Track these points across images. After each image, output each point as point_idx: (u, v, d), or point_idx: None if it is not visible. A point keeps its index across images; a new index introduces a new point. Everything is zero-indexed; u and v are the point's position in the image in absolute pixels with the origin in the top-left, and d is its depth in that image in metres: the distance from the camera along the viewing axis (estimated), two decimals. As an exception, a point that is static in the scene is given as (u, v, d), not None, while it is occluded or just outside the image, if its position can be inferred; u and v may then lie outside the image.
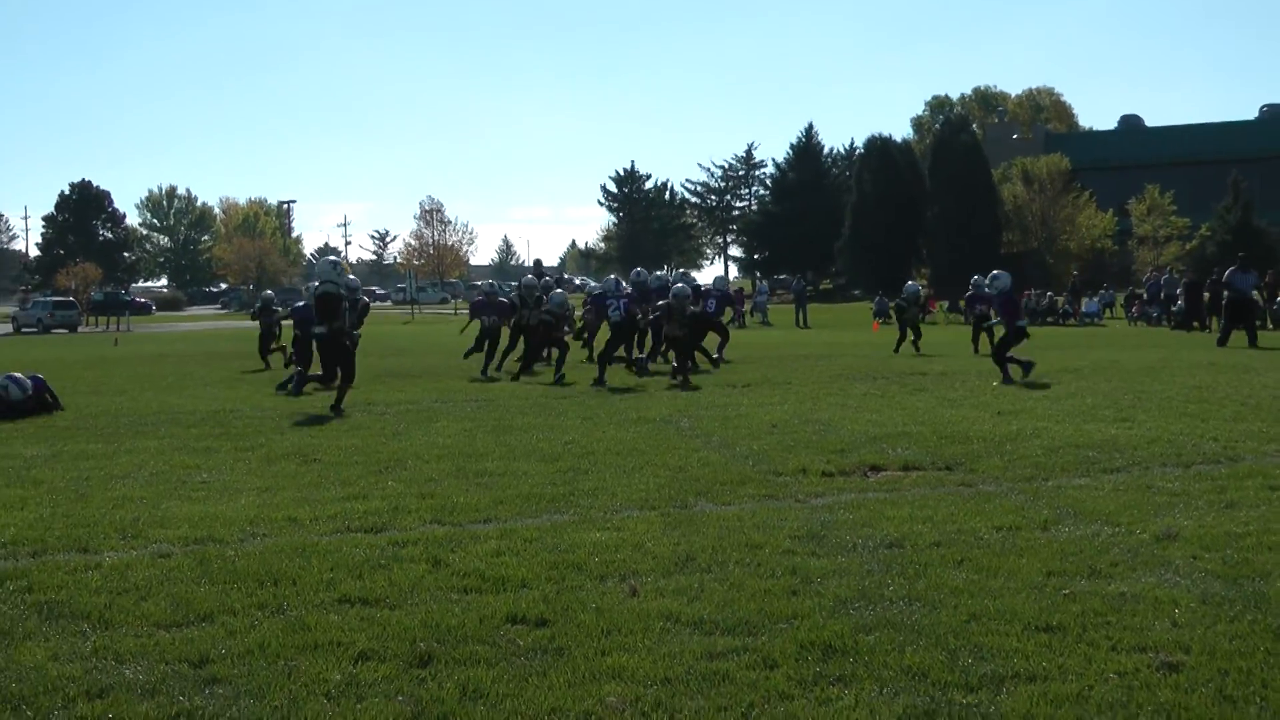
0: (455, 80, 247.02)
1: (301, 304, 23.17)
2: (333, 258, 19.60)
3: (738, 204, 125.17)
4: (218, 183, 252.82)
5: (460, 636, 5.89)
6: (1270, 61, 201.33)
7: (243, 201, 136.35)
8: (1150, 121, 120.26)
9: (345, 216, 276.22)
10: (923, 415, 14.78)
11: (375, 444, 13.16)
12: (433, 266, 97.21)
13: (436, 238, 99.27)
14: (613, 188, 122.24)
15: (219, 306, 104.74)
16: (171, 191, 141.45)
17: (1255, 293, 28.91)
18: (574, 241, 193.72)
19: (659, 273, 52.27)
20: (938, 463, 11.09)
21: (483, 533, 8.29)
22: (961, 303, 42.65)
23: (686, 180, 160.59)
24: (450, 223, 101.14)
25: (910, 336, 30.13)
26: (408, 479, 10.71)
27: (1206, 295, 47.29)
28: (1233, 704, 4.80)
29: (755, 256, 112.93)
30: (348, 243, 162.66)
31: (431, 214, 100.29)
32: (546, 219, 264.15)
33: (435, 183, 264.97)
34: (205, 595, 6.72)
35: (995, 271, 22.03)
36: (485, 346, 23.39)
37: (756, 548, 7.64)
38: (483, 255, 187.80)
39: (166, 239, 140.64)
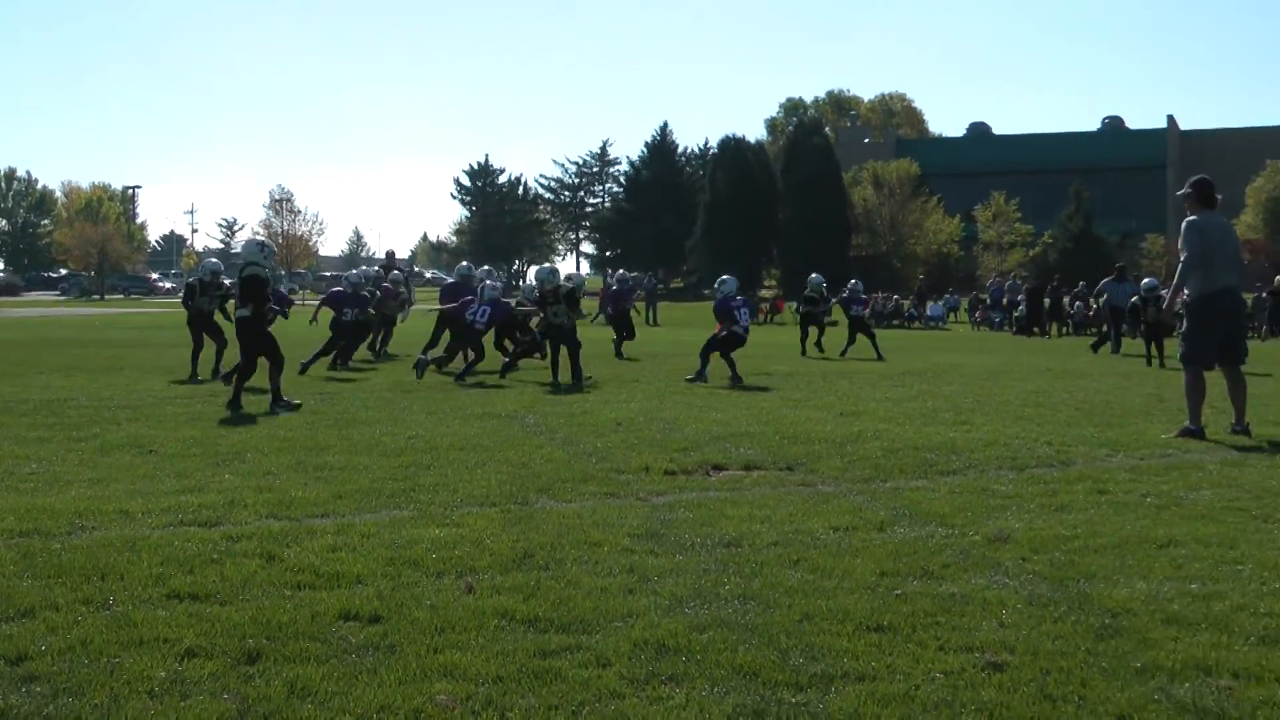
0: (307, 70, 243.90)
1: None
2: (259, 238, 19.17)
3: (591, 200, 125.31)
4: (60, 166, 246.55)
5: (291, 633, 5.81)
6: (1113, 75, 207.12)
7: (85, 186, 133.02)
8: (998, 130, 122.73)
9: (192, 204, 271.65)
10: (767, 415, 14.93)
11: (214, 436, 12.93)
12: (281, 256, 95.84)
13: (286, 227, 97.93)
14: (466, 181, 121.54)
15: (58, 293, 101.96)
16: (11, 174, 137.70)
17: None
18: (425, 234, 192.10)
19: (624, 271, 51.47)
20: (779, 463, 11.20)
21: (320, 528, 8.19)
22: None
23: (540, 176, 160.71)
24: (300, 212, 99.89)
25: (814, 335, 29.81)
26: (246, 472, 10.54)
27: (1047, 301, 48.52)
28: (1053, 702, 4.91)
29: (608, 253, 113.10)
30: (194, 230, 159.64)
31: (281, 203, 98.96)
32: (398, 211, 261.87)
33: (286, 172, 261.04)
34: (27, 590, 6.54)
35: (723, 276, 22.13)
36: (340, 344, 22.77)
37: (595, 545, 7.64)
38: (333, 246, 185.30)
39: (4, 222, 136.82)
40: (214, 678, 5.21)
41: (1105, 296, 34.26)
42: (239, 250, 17.81)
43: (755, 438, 12.76)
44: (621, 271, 29.69)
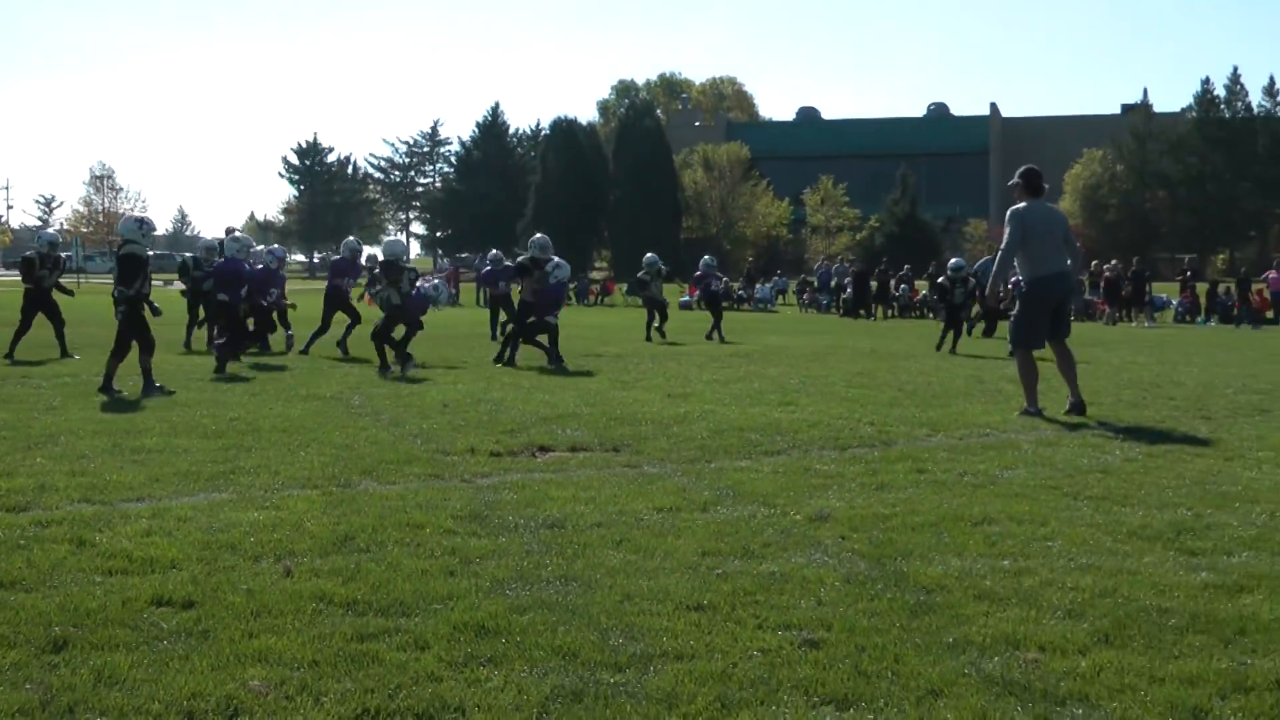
0: (130, 42, 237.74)
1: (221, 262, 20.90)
2: (137, 215, 18.37)
3: (422, 180, 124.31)
4: None
5: (100, 620, 5.65)
6: (939, 61, 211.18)
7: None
8: (827, 115, 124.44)
9: (7, 180, 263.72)
10: (594, 397, 14.95)
11: (26, 418, 12.55)
12: (102, 235, 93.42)
13: (107, 205, 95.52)
14: (294, 160, 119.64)
15: None
16: None
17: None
18: (253, 213, 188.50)
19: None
20: (605, 444, 11.22)
21: (134, 512, 7.99)
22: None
23: (370, 155, 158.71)
24: (122, 189, 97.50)
25: (657, 321, 28.26)
26: (58, 455, 10.25)
27: (874, 284, 49.32)
28: (866, 678, 4.99)
29: (438, 234, 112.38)
30: (9, 207, 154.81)
31: (102, 180, 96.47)
32: (224, 189, 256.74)
33: (107, 148, 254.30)
34: None
35: (557, 260, 21.03)
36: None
37: (418, 528, 7.58)
38: (157, 225, 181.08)
39: None
40: (16, 667, 5.05)
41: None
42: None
43: (582, 419, 12.76)
44: (496, 252, 29.08)
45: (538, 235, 22.10)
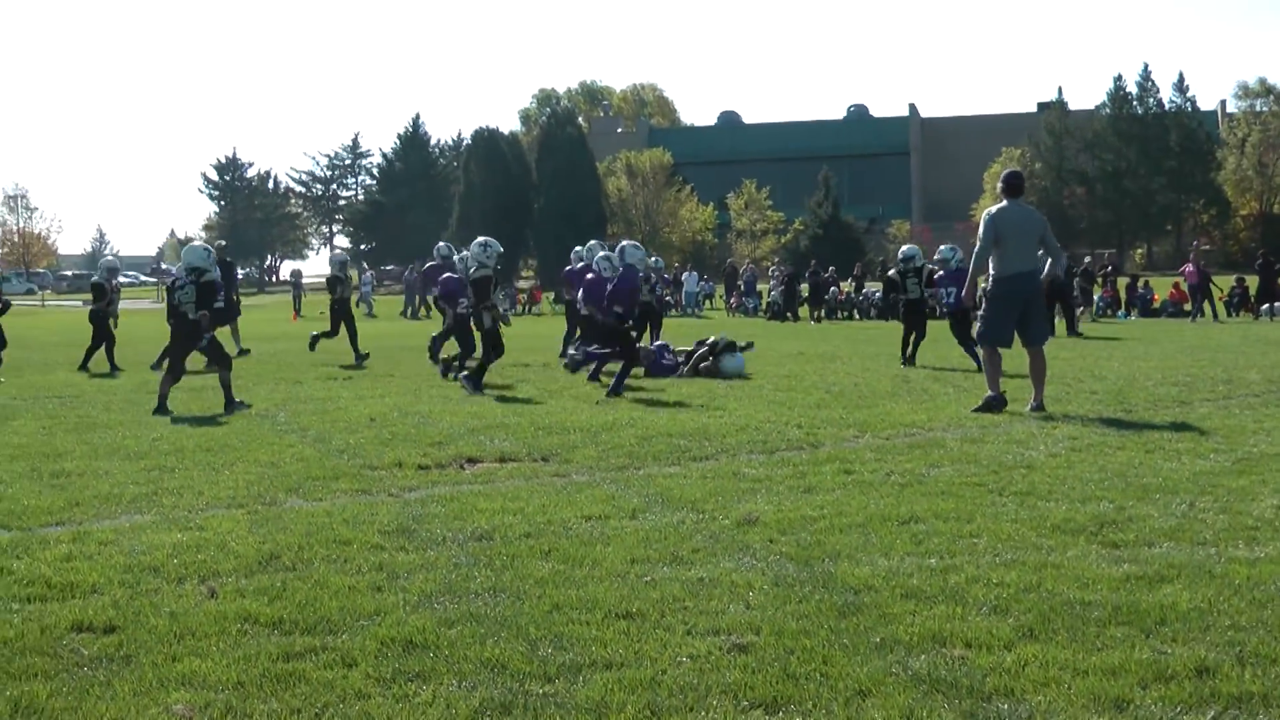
0: (44, 59, 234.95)
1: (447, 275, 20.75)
2: (203, 243, 18.31)
3: (344, 193, 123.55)
4: None
5: (18, 649, 5.56)
6: (858, 63, 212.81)
7: None
8: (748, 118, 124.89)
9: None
10: (522, 407, 14.93)
11: (-58, 445, 12.34)
12: (17, 256, 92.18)
13: (22, 225, 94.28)
14: (214, 175, 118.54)
15: None
16: None
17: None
18: (173, 230, 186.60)
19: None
20: (534, 454, 11.20)
21: (54, 537, 7.88)
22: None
23: (291, 169, 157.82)
24: (37, 209, 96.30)
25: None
26: (-25, 482, 10.09)
27: (805, 287, 49.45)
28: (795, 681, 5.00)
29: (362, 246, 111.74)
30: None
31: (16, 200, 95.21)
32: (143, 207, 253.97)
33: (20, 169, 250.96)
34: None
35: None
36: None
37: (345, 544, 7.52)
38: (74, 244, 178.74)
39: None
40: (-68, 700, 4.96)
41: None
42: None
43: (510, 429, 12.73)
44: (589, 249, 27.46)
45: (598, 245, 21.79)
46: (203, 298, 15.68)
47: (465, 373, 17.71)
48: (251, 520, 8.35)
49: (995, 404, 13.64)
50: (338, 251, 25.09)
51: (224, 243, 25.70)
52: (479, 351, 18.23)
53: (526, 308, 61.76)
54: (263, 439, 12.43)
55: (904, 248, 24.31)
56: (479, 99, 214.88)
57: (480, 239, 18.45)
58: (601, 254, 18.78)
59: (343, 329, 23.72)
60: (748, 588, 6.38)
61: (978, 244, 13.96)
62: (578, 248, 23.45)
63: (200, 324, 15.59)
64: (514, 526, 7.99)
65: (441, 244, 24.16)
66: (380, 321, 46.93)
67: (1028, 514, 8.10)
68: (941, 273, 22.01)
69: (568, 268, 23.70)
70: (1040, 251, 14.34)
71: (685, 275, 60.35)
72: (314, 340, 24.25)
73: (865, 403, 14.88)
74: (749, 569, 6.78)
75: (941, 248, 22.59)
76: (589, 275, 18.65)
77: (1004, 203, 14.03)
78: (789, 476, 9.72)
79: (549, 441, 11.88)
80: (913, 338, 21.48)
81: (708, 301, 62.90)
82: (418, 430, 12.85)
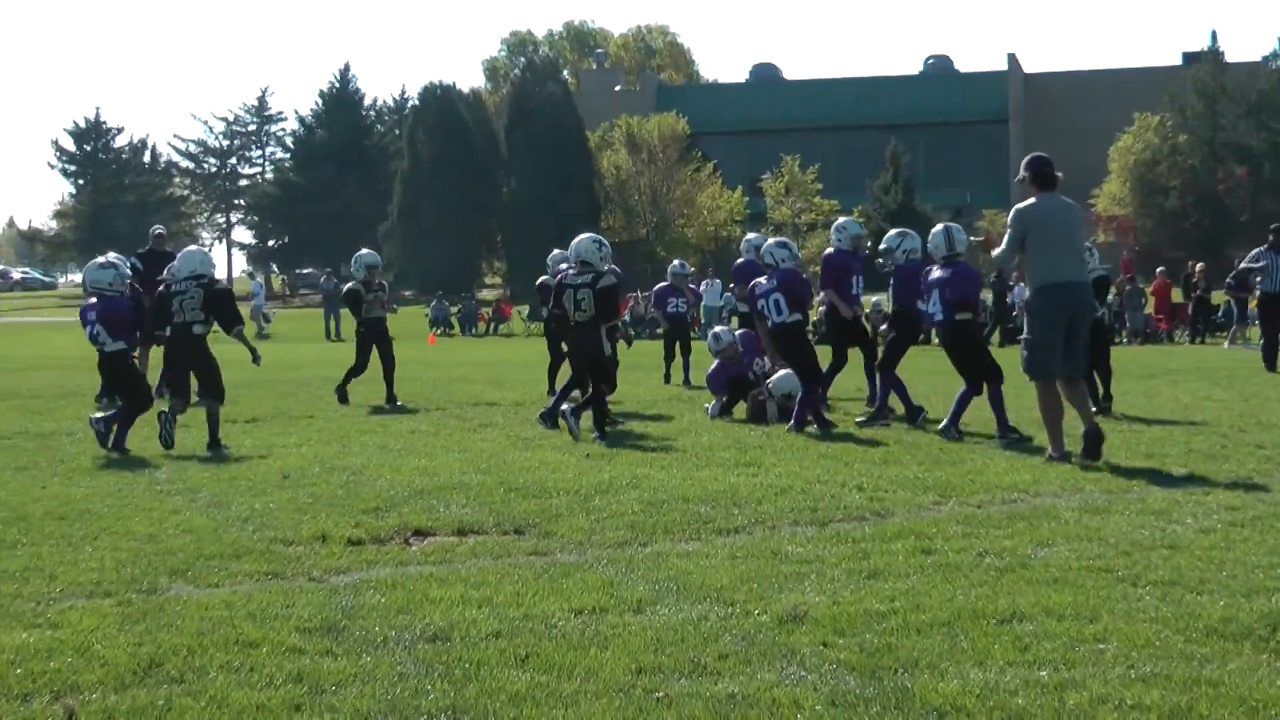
0: None
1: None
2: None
3: (247, 171, 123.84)
4: None
5: None
6: (937, 7, 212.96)
7: None
8: (789, 74, 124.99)
9: None
10: (488, 460, 14.94)
11: None
12: None
13: None
14: (70, 145, 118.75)
15: None
16: None
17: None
18: (12, 220, 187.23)
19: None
20: (504, 524, 11.22)
21: None
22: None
23: (175, 137, 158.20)
24: None
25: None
26: None
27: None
28: (862, 837, 5.01)
29: (271, 242, 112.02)
30: None
31: None
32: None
33: None
34: None
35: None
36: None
37: (251, 646, 7.53)
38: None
39: None
40: None
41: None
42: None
43: (472, 491, 12.75)
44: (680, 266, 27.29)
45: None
46: (220, 306, 16.92)
47: (571, 407, 17.93)
48: (123, 615, 8.36)
49: (1056, 459, 14.16)
50: (365, 252, 24.41)
51: (161, 230, 25.56)
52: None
53: (491, 326, 61.93)
54: (137, 503, 12.46)
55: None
56: (428, 46, 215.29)
57: (590, 236, 18.87)
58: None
59: (375, 356, 23.13)
60: (795, 708, 6.39)
61: (1000, 248, 14.78)
62: (555, 251, 23.11)
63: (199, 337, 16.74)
64: (478, 623, 8.00)
65: (559, 252, 23.07)
66: (288, 344, 46.93)
67: (1172, 611, 8.10)
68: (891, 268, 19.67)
69: (542, 279, 23.28)
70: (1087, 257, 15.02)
71: (705, 284, 60.32)
72: (341, 390, 23.38)
73: (949, 457, 14.88)
74: (796, 682, 6.78)
75: (889, 234, 20.14)
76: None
77: (1033, 199, 14.50)
78: (848, 556, 9.73)
79: (524, 507, 11.90)
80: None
81: (734, 319, 62.99)
82: (347, 492, 12.86)
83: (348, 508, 11.98)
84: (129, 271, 18.46)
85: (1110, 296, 19.98)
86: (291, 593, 8.88)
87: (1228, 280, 40.99)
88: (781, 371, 19.09)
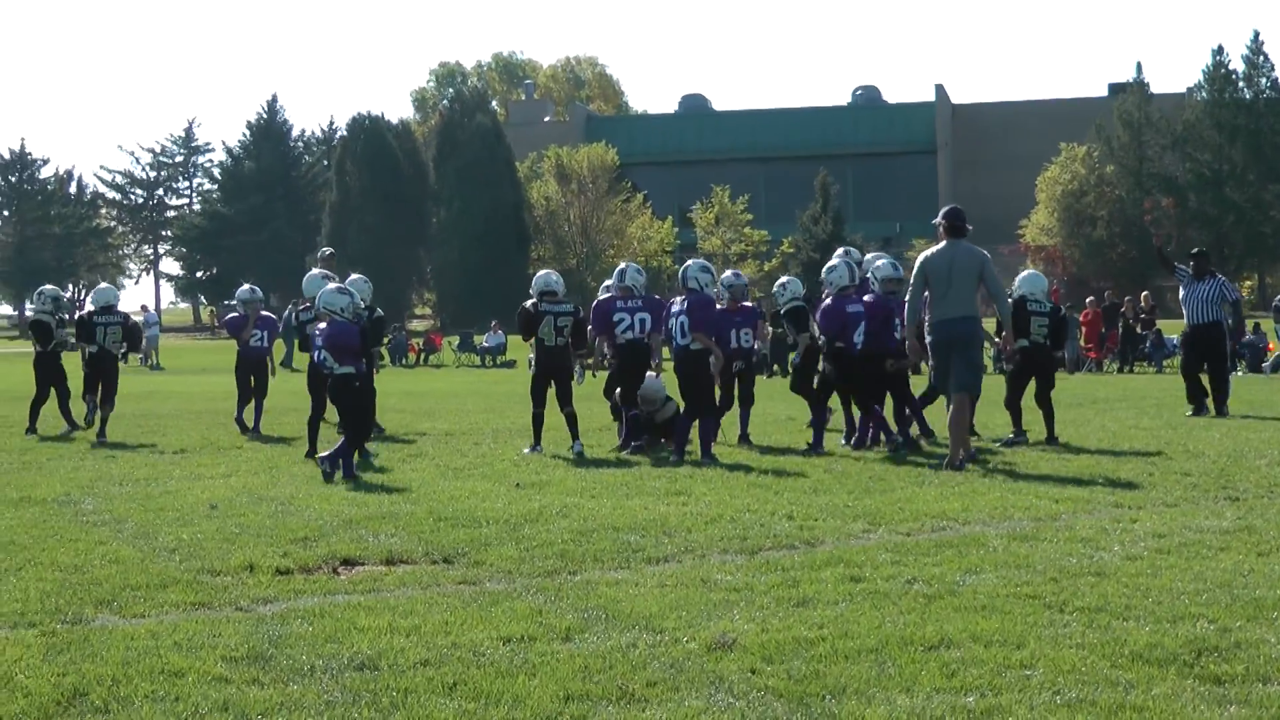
0: None
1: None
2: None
3: (174, 202, 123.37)
4: None
5: None
6: (867, 35, 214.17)
7: None
8: (718, 105, 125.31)
9: None
10: (417, 490, 14.91)
11: None
12: None
13: None
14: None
15: None
16: None
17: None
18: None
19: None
20: (433, 553, 11.20)
21: None
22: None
23: (102, 168, 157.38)
24: None
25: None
26: None
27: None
28: None
29: (199, 274, 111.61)
30: None
31: None
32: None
33: None
34: None
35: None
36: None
37: (176, 676, 7.50)
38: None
39: None
40: None
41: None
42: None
43: (401, 520, 12.72)
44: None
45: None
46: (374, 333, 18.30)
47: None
48: (47, 645, 8.31)
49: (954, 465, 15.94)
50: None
51: (330, 251, 25.44)
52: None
53: (421, 357, 61.79)
54: (62, 533, 12.37)
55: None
56: (357, 77, 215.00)
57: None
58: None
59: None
60: (723, 735, 6.40)
61: (909, 295, 16.77)
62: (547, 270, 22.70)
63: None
64: (407, 652, 7.98)
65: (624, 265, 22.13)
66: (217, 376, 46.64)
67: (1098, 637, 8.15)
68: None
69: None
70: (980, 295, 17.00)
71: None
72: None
73: (879, 486, 14.92)
74: (724, 709, 6.80)
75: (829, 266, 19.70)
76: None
77: (940, 245, 16.62)
78: (777, 585, 9.74)
79: (453, 537, 11.88)
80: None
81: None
82: (275, 522, 12.82)
83: (276, 537, 11.93)
84: (362, 302, 18.65)
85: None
86: (218, 622, 8.85)
87: (1275, 304, 42.03)
88: (649, 375, 20.13)
